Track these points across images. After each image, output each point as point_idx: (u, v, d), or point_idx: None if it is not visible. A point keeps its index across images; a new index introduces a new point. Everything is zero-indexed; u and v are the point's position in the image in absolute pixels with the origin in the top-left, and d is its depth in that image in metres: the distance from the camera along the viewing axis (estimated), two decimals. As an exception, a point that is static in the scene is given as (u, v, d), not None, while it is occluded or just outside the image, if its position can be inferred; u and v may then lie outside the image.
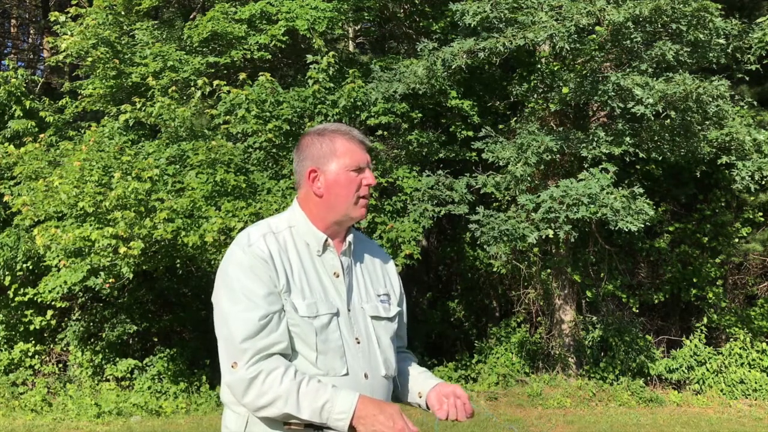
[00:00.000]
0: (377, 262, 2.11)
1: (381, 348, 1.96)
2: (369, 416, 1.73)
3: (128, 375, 10.21)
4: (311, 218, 1.96)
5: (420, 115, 10.41)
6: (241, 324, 1.79)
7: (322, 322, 1.85)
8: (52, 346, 10.90)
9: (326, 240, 1.95)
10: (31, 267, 9.67)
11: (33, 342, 10.62)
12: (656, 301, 11.48)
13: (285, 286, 1.84)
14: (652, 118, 8.71)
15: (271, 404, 1.75)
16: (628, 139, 8.90)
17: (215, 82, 9.63)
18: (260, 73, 9.54)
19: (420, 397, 2.05)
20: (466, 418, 1.95)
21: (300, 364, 1.83)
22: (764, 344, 10.61)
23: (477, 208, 9.09)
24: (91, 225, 8.04)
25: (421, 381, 2.09)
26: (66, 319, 10.96)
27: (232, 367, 1.79)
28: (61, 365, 10.87)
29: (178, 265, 9.51)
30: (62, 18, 10.53)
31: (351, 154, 1.95)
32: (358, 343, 1.91)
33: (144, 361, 10.37)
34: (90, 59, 10.16)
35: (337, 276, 1.94)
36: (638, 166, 11.06)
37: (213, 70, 10.42)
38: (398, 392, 2.13)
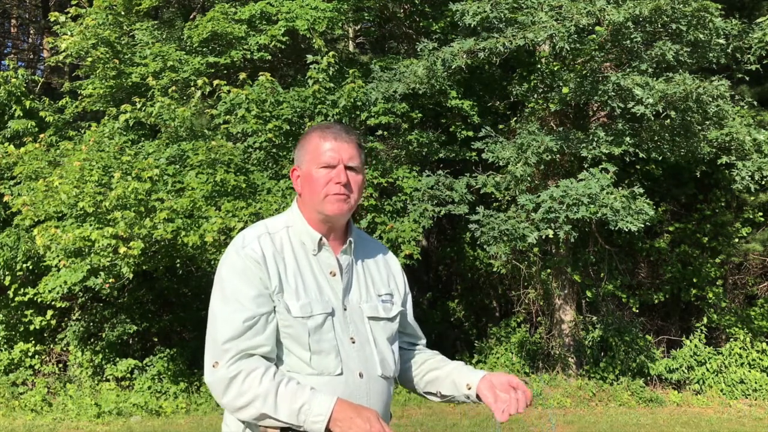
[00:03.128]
0: (381, 262, 2.10)
1: (378, 348, 1.95)
2: (346, 419, 1.71)
3: (128, 375, 10.21)
4: (306, 217, 1.97)
5: (420, 115, 10.40)
6: (226, 325, 1.80)
7: (316, 322, 1.85)
8: (52, 346, 10.89)
9: (321, 239, 1.94)
10: (31, 267, 9.67)
11: (33, 342, 10.61)
12: (656, 301, 11.48)
13: (278, 287, 1.85)
14: (652, 118, 8.71)
15: (249, 404, 1.75)
16: (628, 139, 8.90)
17: (215, 82, 9.63)
18: (260, 73, 9.54)
19: (469, 389, 1.99)
20: (522, 410, 1.92)
21: (294, 364, 1.83)
22: (764, 344, 10.61)
23: (477, 208, 9.09)
24: (91, 225, 8.04)
25: (467, 372, 2.03)
26: (66, 319, 10.95)
27: (213, 366, 1.79)
28: (61, 365, 10.87)
29: (178, 265, 9.52)
30: (62, 18, 10.53)
31: (320, 151, 1.91)
32: (353, 342, 1.91)
33: (144, 361, 10.37)
34: (90, 59, 10.16)
35: (333, 275, 1.94)
36: (638, 166, 11.06)
37: (213, 70, 10.42)
38: (428, 386, 2.09)
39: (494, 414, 1.93)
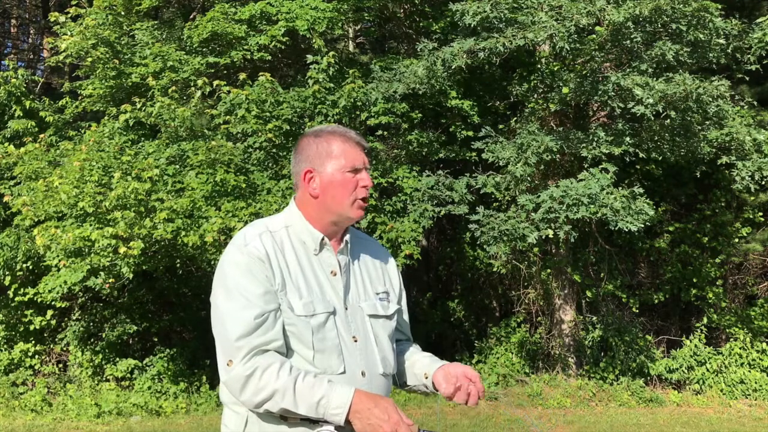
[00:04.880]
0: (376, 261, 2.12)
1: (379, 346, 1.97)
2: (364, 410, 1.73)
3: (128, 375, 10.21)
4: (308, 218, 1.97)
5: (420, 115, 10.40)
6: (236, 322, 1.80)
7: (318, 320, 1.86)
8: (52, 346, 10.89)
9: (323, 239, 1.95)
10: (31, 267, 9.67)
11: (33, 342, 10.61)
12: (656, 301, 11.48)
13: (281, 285, 1.85)
14: (652, 118, 8.71)
15: (268, 400, 1.76)
16: (628, 139, 8.90)
17: (215, 82, 9.63)
18: (260, 73, 9.54)
19: (426, 378, 2.04)
20: (477, 401, 1.95)
21: (297, 362, 1.84)
22: (764, 344, 10.61)
23: (477, 208, 9.09)
24: (91, 225, 8.04)
25: (427, 363, 2.09)
26: (66, 319, 10.95)
27: (228, 365, 1.80)
28: (61, 365, 10.87)
29: (178, 265, 9.51)
30: (62, 18, 10.52)
31: (346, 155, 1.95)
32: (356, 341, 1.92)
33: (144, 361, 10.37)
34: (90, 59, 10.16)
35: (334, 275, 1.95)
36: (638, 166, 11.06)
37: (213, 70, 10.42)
38: (399, 377, 2.13)
39: (442, 392, 1.97)
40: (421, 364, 2.09)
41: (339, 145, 1.96)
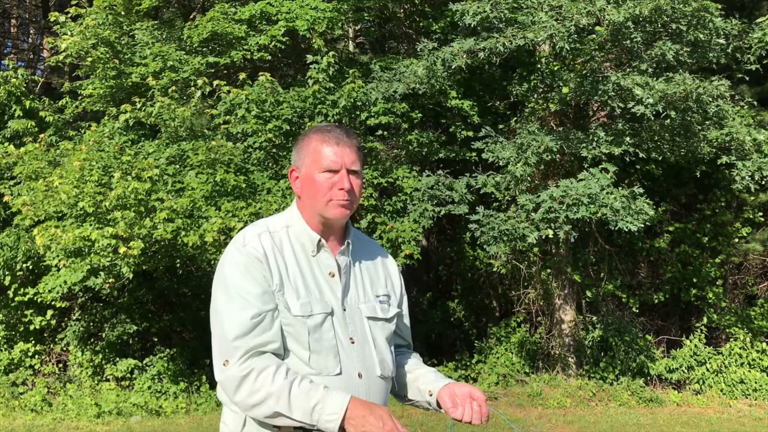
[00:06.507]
0: (378, 263, 2.11)
1: (377, 349, 1.96)
2: (359, 417, 1.72)
3: (128, 375, 10.21)
4: (305, 218, 1.97)
5: (420, 115, 10.40)
6: (234, 322, 1.80)
7: (315, 321, 1.85)
8: (52, 346, 10.89)
9: (319, 240, 1.95)
10: (31, 267, 9.67)
11: (33, 342, 10.61)
12: (656, 301, 11.48)
13: (279, 285, 1.85)
14: (652, 118, 8.71)
15: (262, 402, 1.75)
16: (628, 139, 8.91)
17: (215, 82, 9.63)
18: (260, 73, 9.54)
19: (430, 395, 2.02)
20: (481, 423, 1.92)
21: (293, 363, 1.83)
22: (764, 344, 10.61)
23: (477, 208, 9.09)
24: (91, 225, 8.04)
25: (432, 379, 2.07)
26: (66, 319, 10.95)
27: (224, 365, 1.79)
28: (61, 365, 10.87)
29: (178, 265, 9.51)
30: (62, 18, 10.53)
31: (322, 156, 1.90)
32: (353, 342, 1.91)
33: (144, 361, 10.37)
34: (90, 59, 10.16)
35: (333, 276, 1.94)
36: (638, 166, 11.06)
37: (213, 70, 10.42)
38: (400, 390, 2.12)
39: (448, 412, 1.95)
40: (426, 380, 2.07)
41: (314, 145, 1.93)
